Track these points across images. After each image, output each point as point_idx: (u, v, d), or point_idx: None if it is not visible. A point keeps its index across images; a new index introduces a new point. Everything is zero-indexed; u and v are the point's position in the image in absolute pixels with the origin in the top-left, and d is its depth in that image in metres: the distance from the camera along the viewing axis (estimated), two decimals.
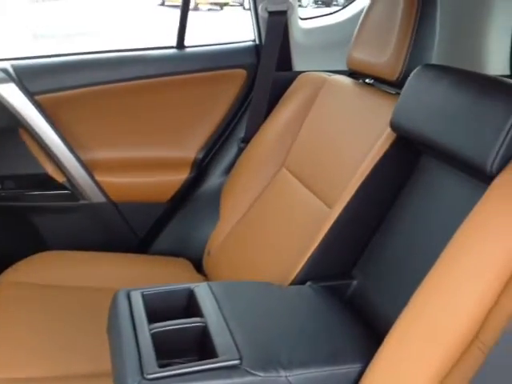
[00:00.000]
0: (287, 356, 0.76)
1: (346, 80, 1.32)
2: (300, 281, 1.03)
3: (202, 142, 1.59)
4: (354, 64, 1.24)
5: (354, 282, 1.03)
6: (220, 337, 0.77)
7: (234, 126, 1.59)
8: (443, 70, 0.88)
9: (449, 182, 0.90)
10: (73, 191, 1.50)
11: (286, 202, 1.27)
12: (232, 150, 1.58)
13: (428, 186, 0.96)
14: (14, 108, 1.37)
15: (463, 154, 0.78)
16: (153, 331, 0.77)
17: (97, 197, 1.52)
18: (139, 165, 1.56)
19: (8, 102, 1.36)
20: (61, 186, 1.50)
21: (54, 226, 1.51)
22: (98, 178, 1.51)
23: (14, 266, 1.35)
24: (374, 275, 1.02)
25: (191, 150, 1.59)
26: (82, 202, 1.52)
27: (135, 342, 0.74)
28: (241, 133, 1.56)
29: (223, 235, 1.43)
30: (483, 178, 0.77)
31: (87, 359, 1.02)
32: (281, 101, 1.48)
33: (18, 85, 1.36)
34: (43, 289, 1.28)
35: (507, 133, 0.72)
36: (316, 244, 1.02)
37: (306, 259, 1.03)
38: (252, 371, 0.72)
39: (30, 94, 1.39)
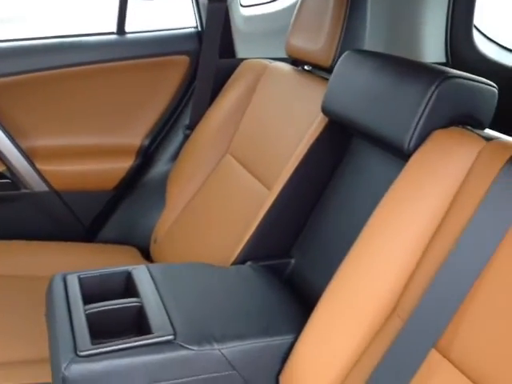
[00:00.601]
0: (221, 330, 0.78)
1: (285, 67, 1.35)
2: (241, 261, 1.05)
3: (147, 128, 1.58)
4: (292, 51, 1.27)
5: (292, 261, 1.06)
6: (155, 315, 0.78)
7: (179, 113, 1.59)
8: (367, 55, 0.92)
9: (376, 162, 0.94)
10: (13, 180, 1.47)
11: (230, 187, 1.30)
12: (177, 137, 1.59)
13: (358, 167, 1.00)
14: None
15: (384, 134, 0.83)
16: (88, 312, 0.78)
17: (39, 186, 1.50)
18: (82, 152, 1.54)
19: None
20: (0, 175, 1.47)
21: None
22: (40, 166, 1.49)
23: None
24: (310, 254, 1.06)
25: (136, 136, 1.58)
26: (23, 191, 1.49)
27: (69, 323, 0.75)
28: (186, 120, 1.57)
29: (169, 222, 1.44)
30: (404, 156, 0.81)
31: (28, 345, 1.01)
32: (224, 87, 1.49)
33: None
34: None
35: (422, 112, 0.76)
36: (255, 225, 1.05)
37: (246, 240, 1.06)
38: (186, 345, 0.74)
39: None
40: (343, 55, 0.97)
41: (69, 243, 1.49)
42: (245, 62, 1.47)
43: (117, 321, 0.79)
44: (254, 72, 1.41)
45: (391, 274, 0.74)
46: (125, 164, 1.56)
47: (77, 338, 0.72)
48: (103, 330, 0.77)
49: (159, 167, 1.59)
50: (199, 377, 0.75)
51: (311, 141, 1.03)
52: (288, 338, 0.81)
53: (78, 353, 0.70)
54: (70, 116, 1.53)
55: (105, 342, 0.73)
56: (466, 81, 0.78)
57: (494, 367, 0.61)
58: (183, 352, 0.74)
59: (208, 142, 1.44)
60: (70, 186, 1.53)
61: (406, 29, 1.60)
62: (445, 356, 0.66)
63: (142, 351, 0.72)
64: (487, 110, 0.80)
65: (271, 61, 1.41)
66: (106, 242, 1.58)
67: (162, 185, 1.53)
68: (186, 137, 1.54)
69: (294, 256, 1.06)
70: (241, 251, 1.05)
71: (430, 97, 0.75)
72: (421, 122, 0.76)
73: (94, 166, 1.55)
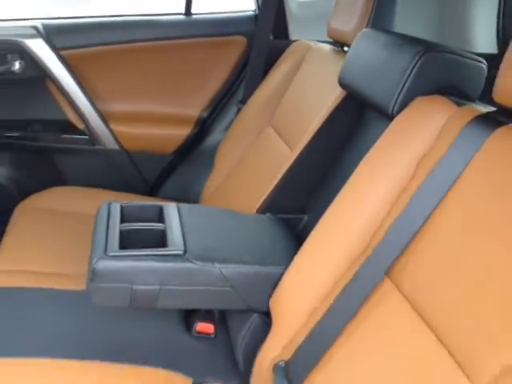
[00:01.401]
0: (224, 254, 0.96)
1: (326, 47, 1.48)
2: (261, 212, 1.22)
3: (205, 101, 1.78)
4: (332, 33, 1.40)
5: (305, 218, 1.21)
6: (173, 236, 0.97)
7: (234, 89, 1.78)
8: (379, 33, 1.04)
9: (380, 128, 1.06)
10: (90, 137, 1.73)
11: (265, 151, 1.46)
12: (231, 110, 1.77)
13: (368, 133, 1.12)
14: (41, 61, 1.60)
15: (377, 101, 0.94)
16: (121, 228, 0.98)
17: (111, 144, 1.75)
18: (149, 118, 1.77)
19: (36, 56, 1.59)
20: (80, 132, 1.73)
21: (72, 165, 1.75)
22: (113, 126, 1.73)
23: (32, 196, 1.58)
24: (321, 213, 1.19)
25: (196, 108, 1.79)
26: (97, 147, 1.75)
27: (106, 234, 0.96)
28: (239, 95, 1.75)
29: (216, 183, 1.63)
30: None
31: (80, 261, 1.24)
32: (274, 66, 1.65)
33: (45, 41, 1.59)
34: (55, 214, 1.52)
35: (406, 80, 0.87)
36: (276, 182, 1.21)
37: (267, 194, 1.22)
38: (192, 260, 0.92)
39: (56, 50, 1.62)
40: (359, 33, 1.09)
41: (133, 195, 1.73)
42: (294, 43, 1.61)
43: (142, 238, 0.98)
44: (299, 52, 1.55)
45: (365, 217, 0.86)
46: (184, 131, 1.77)
47: (108, 244, 0.92)
48: (131, 243, 0.96)
49: (213, 136, 1.79)
50: (200, 288, 0.93)
51: (330, 110, 1.16)
52: (280, 268, 0.96)
53: (107, 253, 0.90)
54: (141, 85, 1.76)
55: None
56: (451, 54, 0.88)
57: (438, 302, 0.72)
58: (189, 265, 0.92)
59: (254, 115, 1.61)
60: (136, 147, 1.77)
61: (458, 21, 1.65)
62: (396, 285, 0.78)
63: (156, 259, 0.91)
64: (474, 83, 0.89)
65: (316, 42, 1.55)
66: (165, 198, 1.81)
67: (213, 152, 1.72)
68: (239, 110, 1.72)
69: (307, 213, 1.20)
70: (262, 203, 1.22)
71: (414, 66, 0.86)
72: (404, 89, 0.87)
73: (158, 131, 1.78)
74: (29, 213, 1.51)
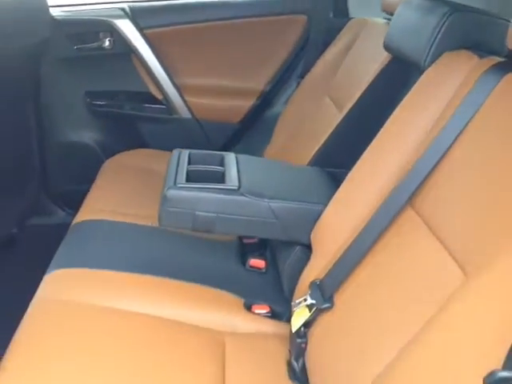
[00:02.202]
0: (272, 192, 1.13)
1: (381, 22, 1.59)
2: (310, 165, 1.37)
3: (268, 76, 1.96)
4: (384, 6, 1.52)
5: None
6: (230, 176, 1.15)
7: (295, 64, 1.93)
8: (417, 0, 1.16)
9: None
10: (167, 107, 1.96)
11: (320, 117, 1.60)
12: (291, 84, 1.93)
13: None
14: (128, 39, 1.85)
15: (413, 56, 1.07)
16: (189, 168, 1.18)
17: (185, 113, 1.97)
18: (218, 90, 1.97)
19: (124, 34, 1.84)
20: (159, 102, 1.96)
21: (151, 132, 1.98)
22: (187, 98, 1.95)
23: (117, 155, 1.83)
24: None
25: (259, 82, 1.97)
26: (173, 116, 1.97)
27: (175, 172, 1.15)
28: (299, 70, 1.90)
29: (275, 149, 1.80)
30: None
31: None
32: (333, 42, 1.78)
33: (131, 21, 1.83)
34: (136, 171, 1.74)
35: (436, 36, 0.99)
36: (324, 139, 1.36)
37: (315, 151, 1.37)
38: (245, 194, 1.10)
39: (141, 29, 1.85)
40: (402, 1, 1.21)
41: None
42: (351, 20, 1.74)
43: (205, 177, 1.17)
44: (356, 28, 1.68)
45: (397, 156, 0.99)
46: (248, 103, 1.96)
47: (177, 178, 1.12)
48: (195, 180, 1.15)
49: (274, 108, 1.96)
50: (250, 218, 1.10)
51: (376, 73, 1.30)
52: (321, 206, 1.11)
53: (176, 184, 1.10)
54: (212, 61, 1.96)
55: None
56: (476, 14, 0.99)
57: (455, 225, 0.83)
58: (242, 198, 1.10)
59: (312, 88, 1.75)
60: (207, 116, 1.97)
61: None
62: (417, 212, 0.90)
63: (215, 191, 1.10)
64: (500, 39, 0.99)
65: (373, 18, 1.66)
66: None
67: (274, 122, 1.89)
68: (298, 84, 1.87)
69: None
70: (311, 159, 1.37)
71: (443, 24, 0.99)
72: (434, 45, 0.99)
73: (226, 102, 1.97)
74: (114, 169, 1.76)
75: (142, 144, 1.96)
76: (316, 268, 1.07)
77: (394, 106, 1.30)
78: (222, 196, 1.09)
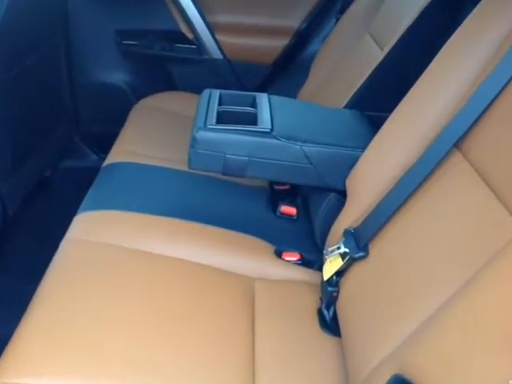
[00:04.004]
0: (306, 135, 1.07)
1: None
2: (348, 108, 1.29)
3: (304, 12, 1.85)
4: None
5: None
6: (262, 118, 1.10)
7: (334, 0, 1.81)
8: None
9: None
10: (198, 47, 1.88)
11: (360, 56, 1.49)
12: (329, 21, 1.82)
13: None
14: None
15: None
16: (219, 109, 1.12)
17: (216, 53, 1.89)
18: (251, 29, 1.88)
19: None
20: (189, 42, 1.89)
21: (181, 72, 1.92)
22: (218, 37, 1.87)
23: (147, 98, 1.77)
24: None
25: (295, 19, 1.86)
26: (204, 56, 1.90)
27: (206, 113, 1.10)
28: (338, 5, 1.78)
29: (310, 91, 1.71)
30: None
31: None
32: None
33: None
34: (167, 114, 1.70)
35: None
36: (364, 79, 1.27)
37: (355, 90, 1.29)
38: (278, 137, 1.04)
39: None
40: None
41: None
42: None
43: (236, 118, 1.12)
44: None
45: (442, 98, 0.91)
46: (282, 42, 1.86)
47: (207, 119, 1.07)
48: (226, 121, 1.10)
49: (310, 47, 1.86)
50: (283, 162, 1.05)
51: (421, 9, 1.19)
52: (358, 150, 1.05)
53: (206, 125, 1.05)
54: None
55: None
56: None
57: (507, 170, 0.76)
58: (274, 141, 1.04)
59: (352, 25, 1.64)
60: (239, 56, 1.89)
61: None
62: (465, 157, 0.83)
63: (246, 133, 1.05)
64: None
65: None
66: None
67: (310, 63, 1.79)
68: (337, 21, 1.76)
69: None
70: (349, 100, 1.29)
71: None
72: None
73: (259, 42, 1.89)
74: (143, 112, 1.72)
75: (173, 86, 1.90)
76: (350, 216, 1.03)
77: (441, 45, 1.21)
78: (253, 138, 1.04)
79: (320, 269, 1.11)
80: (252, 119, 1.11)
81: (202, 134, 1.04)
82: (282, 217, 1.25)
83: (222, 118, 1.09)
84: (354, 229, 0.96)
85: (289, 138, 1.04)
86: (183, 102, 1.78)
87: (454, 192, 0.83)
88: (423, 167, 0.87)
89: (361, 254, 0.90)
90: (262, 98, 1.19)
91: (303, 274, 1.10)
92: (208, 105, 1.14)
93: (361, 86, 1.27)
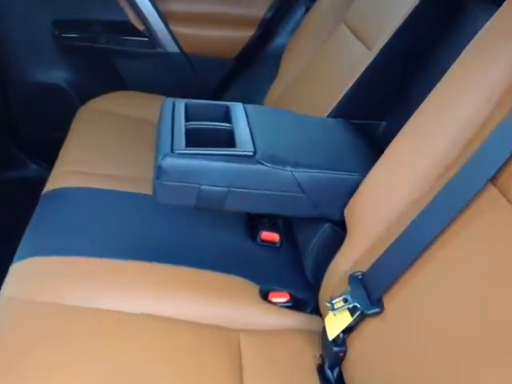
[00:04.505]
0: (295, 157, 0.88)
1: None
2: (333, 117, 1.12)
3: (271, 0, 1.64)
4: None
5: (383, 124, 1.10)
6: (241, 137, 0.90)
7: None
8: None
9: (484, 19, 0.91)
10: (150, 39, 1.65)
11: (338, 51, 1.32)
12: (299, 10, 1.63)
13: (465, 28, 0.97)
14: None
15: None
16: (187, 126, 0.92)
17: (171, 46, 1.66)
18: (211, 19, 1.67)
19: None
20: (140, 34, 1.65)
21: (132, 69, 1.69)
22: (173, 28, 1.64)
23: (93, 100, 1.54)
24: (403, 120, 1.08)
25: (261, 8, 1.66)
26: (158, 50, 1.67)
27: (171, 132, 0.90)
28: None
29: (280, 90, 1.52)
30: None
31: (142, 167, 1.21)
32: None
33: None
34: (116, 118, 1.48)
35: None
36: (351, 83, 1.10)
37: (340, 97, 1.12)
38: (262, 162, 0.85)
39: None
40: None
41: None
42: None
43: (209, 138, 0.92)
44: None
45: (461, 118, 0.76)
46: (247, 33, 1.66)
47: (174, 142, 0.86)
48: (197, 142, 0.90)
49: (278, 39, 1.66)
50: (270, 191, 0.87)
51: (416, 2, 1.02)
52: (357, 175, 0.88)
53: (173, 150, 0.84)
54: None
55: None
56: None
57: None
58: (259, 167, 0.85)
59: (325, 14, 1.46)
60: (198, 50, 1.68)
61: None
62: (502, 193, 0.68)
63: (225, 159, 0.85)
64: None
65: None
66: None
67: (278, 56, 1.60)
68: (307, 10, 1.57)
69: (385, 119, 1.10)
70: (334, 108, 1.12)
71: None
72: None
73: (221, 33, 1.67)
74: (90, 116, 1.49)
75: (122, 85, 1.67)
76: (352, 253, 0.86)
77: (441, 42, 1.05)
78: (233, 165, 0.84)
79: (314, 312, 0.95)
80: (228, 138, 0.91)
81: (170, 162, 0.83)
82: (263, 244, 1.08)
83: (191, 138, 0.89)
84: (362, 274, 0.79)
85: (276, 163, 0.86)
86: (135, 104, 1.57)
87: (490, 233, 0.67)
88: (448, 201, 0.71)
89: (375, 310, 0.74)
90: (237, 109, 1.00)
91: (295, 320, 0.93)
92: (173, 121, 0.93)
93: (348, 91, 1.09)
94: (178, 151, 0.84)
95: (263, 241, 1.08)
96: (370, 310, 0.74)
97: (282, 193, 0.87)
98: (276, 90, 1.52)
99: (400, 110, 1.09)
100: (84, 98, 1.56)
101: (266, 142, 0.90)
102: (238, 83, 1.75)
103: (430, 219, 0.73)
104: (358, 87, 1.09)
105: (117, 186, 1.12)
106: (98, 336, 0.81)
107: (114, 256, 0.92)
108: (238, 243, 1.05)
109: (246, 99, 1.70)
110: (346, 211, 0.89)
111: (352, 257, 0.86)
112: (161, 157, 0.84)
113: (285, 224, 1.10)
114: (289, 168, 0.86)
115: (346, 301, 0.78)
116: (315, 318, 0.94)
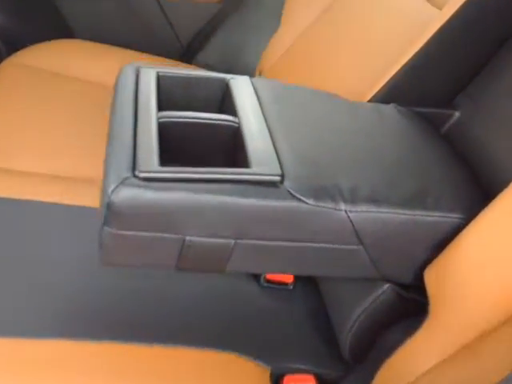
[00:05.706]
0: (350, 185, 0.51)
1: None
2: (379, 101, 0.75)
3: None
4: None
5: (456, 114, 0.74)
6: (256, 143, 0.52)
7: None
8: None
9: None
10: None
11: (372, 4, 0.94)
12: None
13: None
14: None
15: None
16: (161, 120, 0.53)
17: None
18: None
19: None
20: None
21: (79, 13, 1.28)
22: None
23: (26, 49, 1.15)
24: (484, 109, 0.73)
25: None
26: None
27: (133, 133, 0.51)
28: None
29: (281, 51, 1.13)
30: None
31: (81, 162, 0.84)
32: None
33: None
34: (49, 77, 1.08)
35: None
36: (409, 57, 0.72)
37: (391, 76, 0.74)
38: (297, 195, 0.48)
39: None
40: None
41: (159, 58, 1.26)
42: None
43: (201, 142, 0.54)
44: None
45: None
46: None
47: (139, 154, 0.47)
48: (180, 151, 0.52)
49: None
50: (307, 244, 0.50)
51: None
52: (451, 216, 0.52)
53: (137, 173, 0.45)
54: None
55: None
56: None
57: None
58: (292, 203, 0.48)
59: None
60: None
61: None
62: None
63: (232, 190, 0.46)
64: None
65: None
66: (203, 66, 1.33)
67: (280, 2, 1.20)
68: None
69: (459, 108, 0.73)
70: (382, 89, 0.74)
71: None
72: None
73: None
74: (14, 74, 1.08)
75: (67, 33, 1.27)
76: (438, 346, 0.52)
77: None
78: (245, 201, 0.47)
79: None
80: (233, 144, 0.53)
81: (129, 197, 0.44)
82: (269, 286, 0.72)
83: (168, 144, 0.51)
84: None
85: (319, 195, 0.49)
86: (81, 56, 1.20)
87: None
88: None
89: None
90: (243, 88, 0.61)
91: None
92: (136, 107, 0.54)
93: (406, 65, 0.71)
94: (143, 174, 0.45)
95: (269, 281, 0.72)
96: None
97: (326, 245, 0.50)
98: (277, 49, 1.12)
99: (480, 97, 0.73)
100: (14, 50, 1.17)
101: (297, 151, 0.52)
102: (222, 36, 1.34)
103: None
104: (420, 60, 0.71)
105: (40, 194, 0.73)
106: None
107: (61, 335, 0.55)
108: (235, 288, 0.69)
109: (229, 60, 1.35)
110: (428, 274, 0.53)
111: (437, 350, 0.51)
112: (114, 185, 0.44)
113: None
114: (343, 206, 0.49)
115: None
116: None
